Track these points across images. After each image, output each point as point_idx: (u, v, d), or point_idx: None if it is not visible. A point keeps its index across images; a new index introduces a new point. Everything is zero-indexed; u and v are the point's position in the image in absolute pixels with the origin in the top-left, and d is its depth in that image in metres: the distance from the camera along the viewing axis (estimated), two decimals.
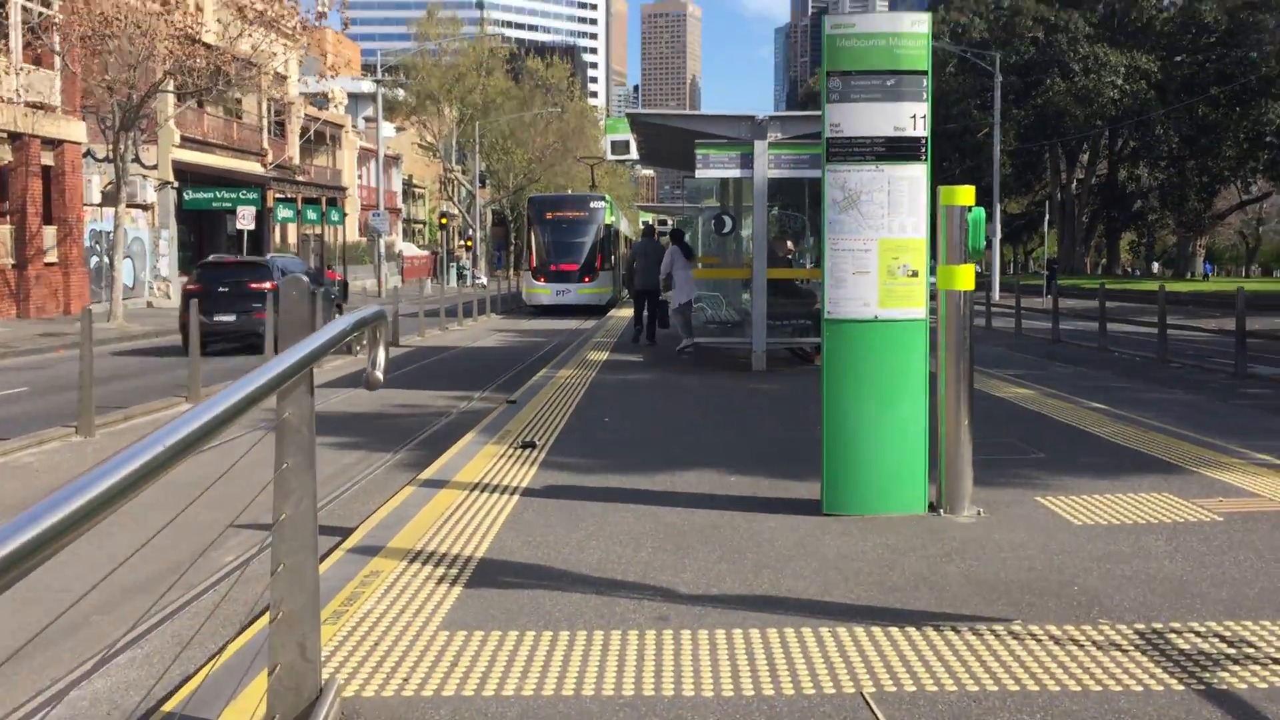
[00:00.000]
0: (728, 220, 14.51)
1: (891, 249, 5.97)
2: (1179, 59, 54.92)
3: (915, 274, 5.98)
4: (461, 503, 6.65)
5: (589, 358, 16.73)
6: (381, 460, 9.93)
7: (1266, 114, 52.96)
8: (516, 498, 6.80)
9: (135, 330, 26.47)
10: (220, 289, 19.47)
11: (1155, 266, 74.70)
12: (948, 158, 60.95)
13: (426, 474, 7.57)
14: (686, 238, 18.54)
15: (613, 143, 22.19)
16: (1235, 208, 65.79)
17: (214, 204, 36.13)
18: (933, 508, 6.09)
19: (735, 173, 14.12)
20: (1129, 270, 75.57)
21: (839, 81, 5.99)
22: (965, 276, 6.01)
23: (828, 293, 6.07)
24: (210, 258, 23.21)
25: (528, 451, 8.48)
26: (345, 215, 46.08)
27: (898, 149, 5.96)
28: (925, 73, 5.97)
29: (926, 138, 5.96)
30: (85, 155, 33.04)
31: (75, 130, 30.67)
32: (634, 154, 23.34)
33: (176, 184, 36.10)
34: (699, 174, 14.11)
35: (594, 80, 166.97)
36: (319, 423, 10.84)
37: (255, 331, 18.36)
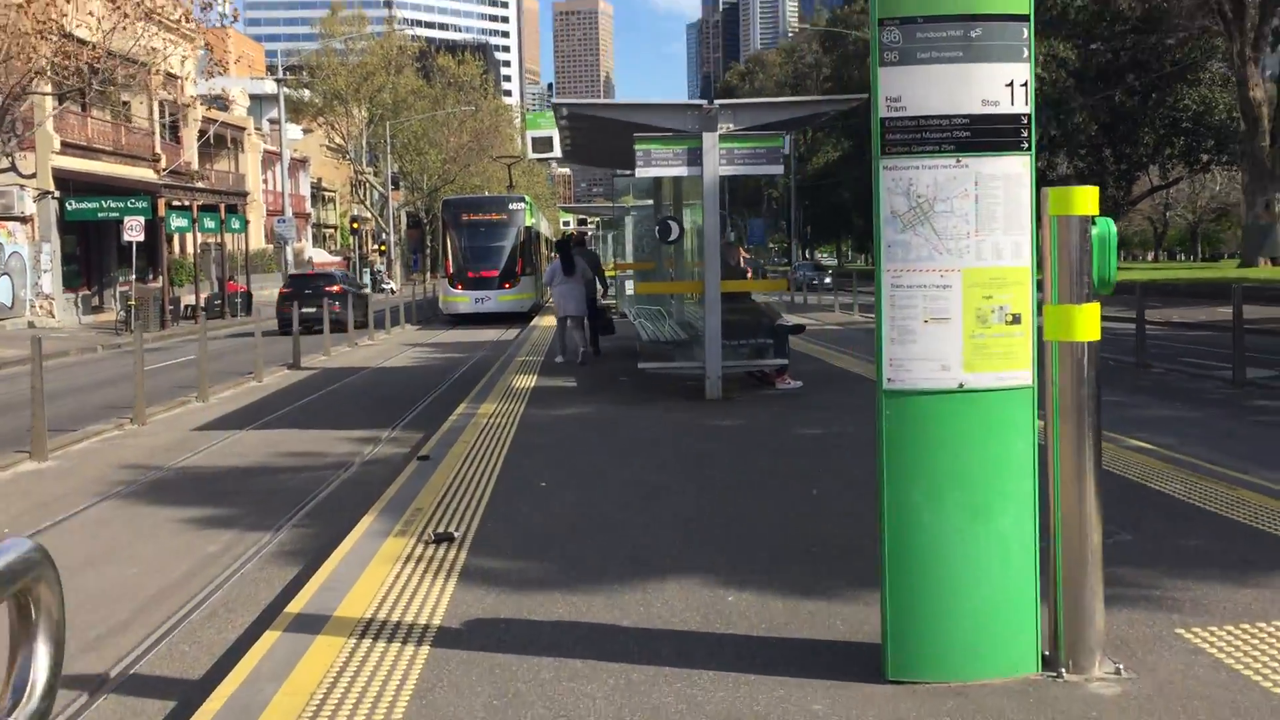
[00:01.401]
0: (674, 226, 12.41)
1: (982, 283, 3.92)
2: (1095, 47, 54.15)
3: (1018, 319, 3.94)
4: (343, 667, 4.46)
5: (514, 384, 14.52)
6: (255, 547, 7.67)
7: (1182, 100, 52.43)
8: (426, 650, 4.62)
9: (7, 356, 23.56)
10: (306, 291, 27.58)
11: None
12: (866, 153, 59.55)
13: (301, 603, 5.35)
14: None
15: (534, 139, 20.12)
16: (1148, 193, 65.43)
17: (100, 214, 33.08)
18: (1047, 663, 4.06)
19: (681, 170, 12.03)
20: None
21: (897, 33, 3.91)
22: (1088, 321, 3.99)
23: (886, 350, 4.00)
24: (292, 273, 36.04)
25: (443, 547, 6.29)
26: (248, 222, 43.09)
27: (988, 133, 3.91)
28: (1026, 17, 3.92)
29: (1030, 115, 3.92)
30: None
31: None
32: (557, 151, 21.16)
33: (58, 193, 32.99)
34: (639, 172, 12.01)
35: (508, 79, 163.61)
36: (186, 482, 8.37)
37: (329, 318, 24.52)
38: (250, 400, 16.06)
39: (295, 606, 5.28)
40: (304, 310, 24.42)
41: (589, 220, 49.54)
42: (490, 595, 5.39)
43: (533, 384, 14.49)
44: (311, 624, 5.00)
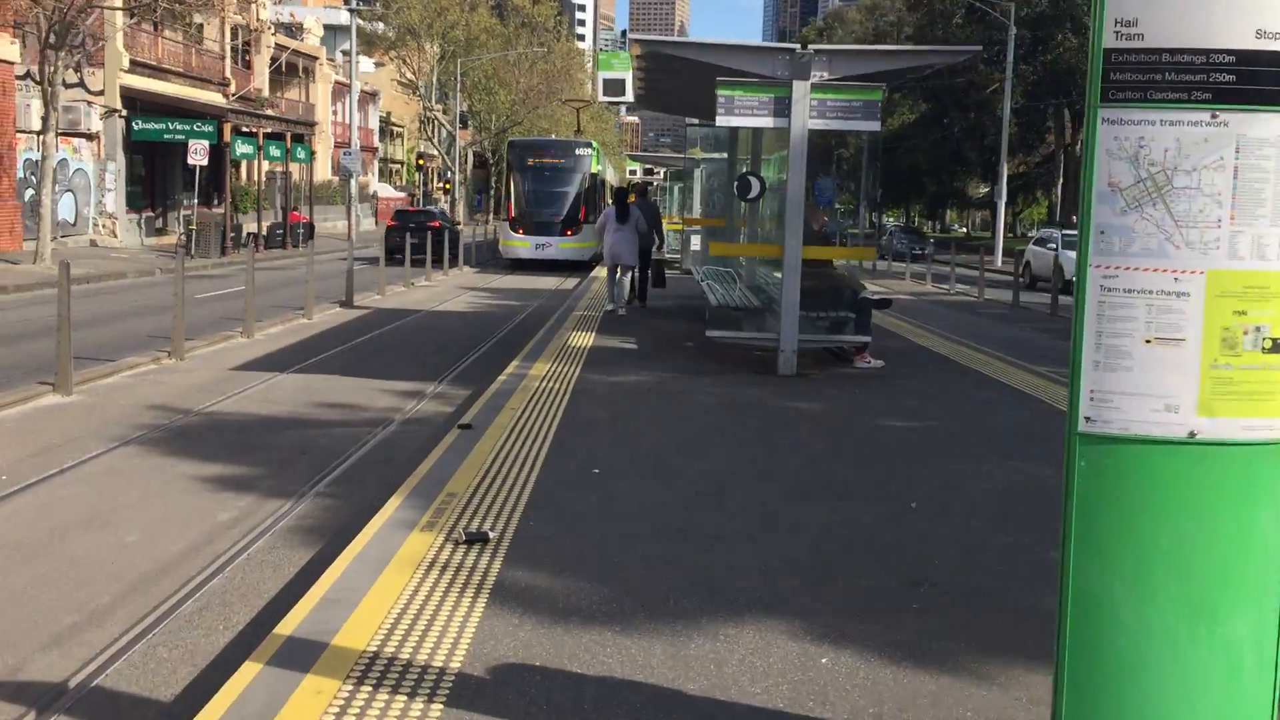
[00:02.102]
0: (754, 182, 11.18)
1: (1234, 292, 2.75)
2: None
3: (1278, 345, 2.76)
4: None
5: (570, 342, 13.45)
6: (271, 518, 6.71)
7: None
8: (438, 712, 3.58)
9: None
10: (410, 224, 31.19)
11: None
12: (948, 113, 57.41)
13: (296, 620, 4.34)
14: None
15: (605, 81, 18.96)
16: None
17: (165, 136, 32.36)
18: None
19: (766, 121, 10.80)
20: None
21: None
22: None
23: (1085, 377, 2.85)
24: (397, 209, 39.04)
25: (475, 550, 5.26)
26: (314, 153, 42.28)
27: (1261, 78, 2.72)
28: None
29: None
30: (23, 78, 29.24)
31: (4, 48, 26.85)
32: (629, 95, 19.93)
33: (125, 112, 32.30)
34: (720, 120, 10.79)
35: (581, 24, 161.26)
36: (211, 431, 7.32)
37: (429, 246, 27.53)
38: (296, 339, 15.17)
39: (288, 626, 4.27)
40: (412, 240, 28.22)
41: (655, 170, 48.17)
42: (526, 626, 4.34)
43: (590, 343, 13.41)
44: (303, 655, 3.98)
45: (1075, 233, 17.96)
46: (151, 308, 18.97)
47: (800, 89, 10.58)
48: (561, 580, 4.92)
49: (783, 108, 10.66)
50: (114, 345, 13.74)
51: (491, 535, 5.45)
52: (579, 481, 6.67)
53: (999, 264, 40.04)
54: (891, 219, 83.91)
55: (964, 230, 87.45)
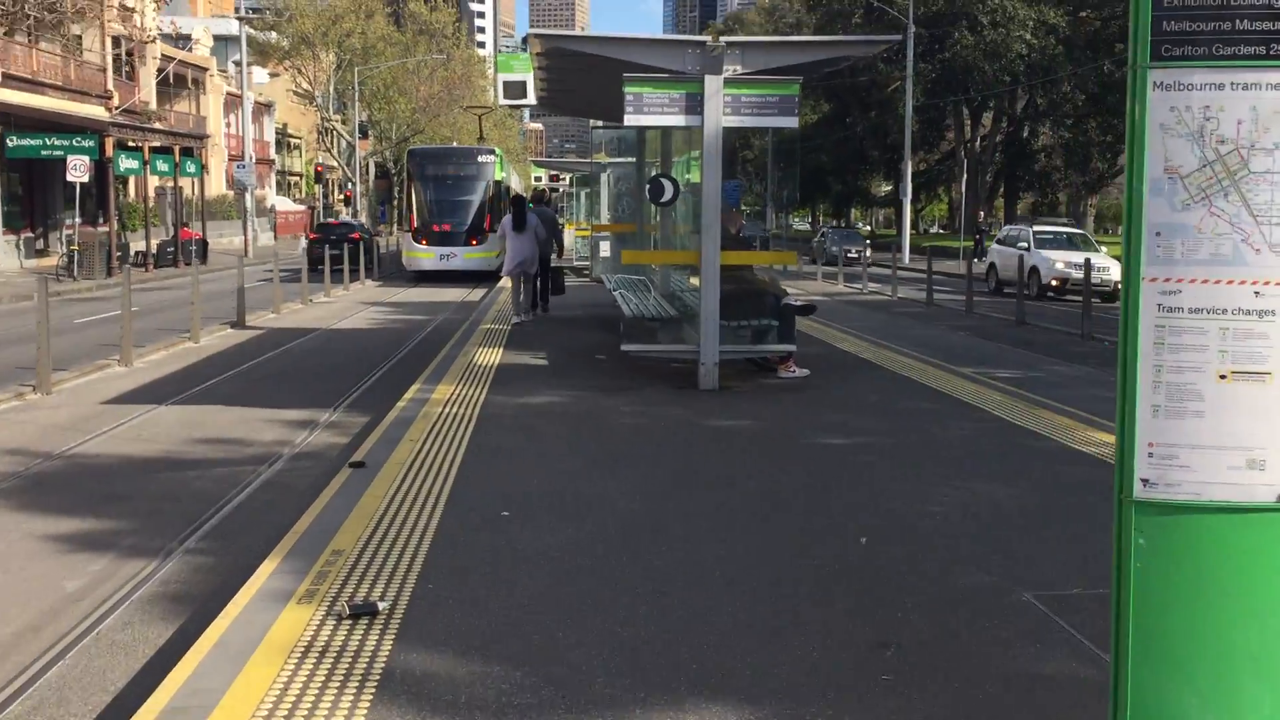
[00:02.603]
0: (668, 184, 10.45)
1: None
2: (1084, 14, 52.30)
3: None
4: None
5: (476, 359, 12.59)
6: (129, 584, 5.79)
7: None
8: None
9: None
10: (332, 236, 31.98)
11: None
12: (851, 113, 57.55)
13: None
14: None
15: (506, 83, 18.05)
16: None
17: (43, 152, 30.52)
18: None
19: (678, 119, 10.08)
20: None
21: None
22: None
23: (1141, 425, 2.15)
24: (319, 222, 42.46)
25: (362, 626, 4.42)
26: (205, 166, 40.55)
27: None
28: None
29: None
30: None
31: None
32: (531, 97, 19.12)
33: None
34: (629, 120, 10.03)
35: (481, 30, 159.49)
36: (71, 479, 6.19)
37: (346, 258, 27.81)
38: (179, 366, 14.04)
39: None
40: (333, 252, 28.23)
41: (560, 177, 47.34)
42: None
43: (497, 360, 12.57)
44: None
45: (1049, 230, 17.00)
46: (23, 336, 17.58)
47: (713, 84, 9.89)
48: (465, 662, 4.10)
49: (695, 104, 9.95)
50: None
51: (382, 606, 4.60)
52: (486, 527, 5.85)
53: (906, 261, 40.00)
54: (797, 219, 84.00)
55: (868, 228, 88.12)
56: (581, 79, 13.22)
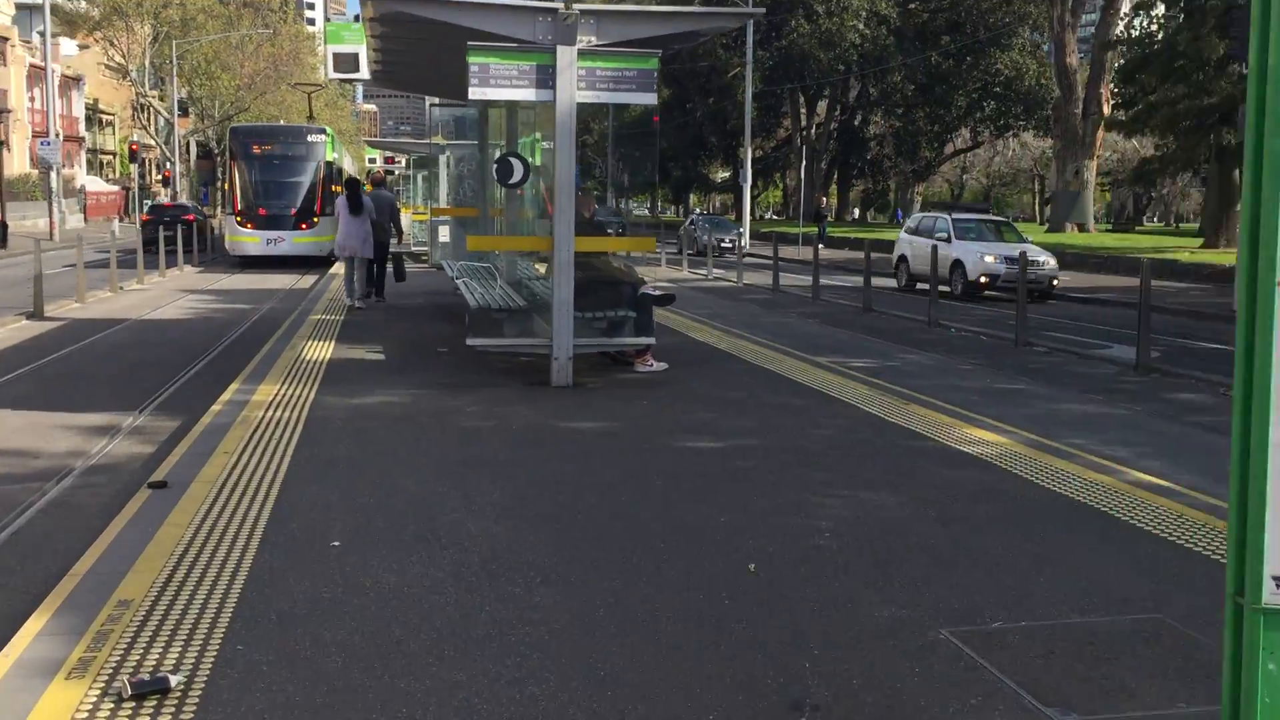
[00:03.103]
0: (516, 164, 9.57)
1: None
2: (913, 5, 53.48)
3: None
4: None
5: (305, 354, 11.48)
6: None
7: (995, 64, 52.39)
8: None
9: None
10: (166, 218, 32.72)
11: (863, 214, 74.31)
12: (691, 99, 57.45)
13: None
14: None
15: (336, 56, 16.72)
16: (950, 155, 65.69)
17: None
18: None
19: (528, 93, 9.22)
20: (861, 218, 75.23)
21: None
22: None
23: (1275, 496, 1.43)
24: (152, 204, 43.00)
25: (149, 708, 3.48)
26: (3, 143, 37.39)
27: None
28: None
29: None
30: None
31: None
32: (364, 71, 17.85)
33: None
34: (474, 93, 9.12)
35: (310, 6, 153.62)
36: None
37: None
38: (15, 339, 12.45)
39: None
40: (167, 233, 27.63)
41: (396, 159, 45.63)
42: None
43: (329, 354, 11.48)
44: None
45: (970, 218, 15.69)
46: None
47: (566, 55, 9.07)
48: None
49: (546, 77, 9.12)
50: None
51: (174, 680, 3.67)
52: (313, 562, 4.93)
53: (748, 246, 39.95)
54: (636, 204, 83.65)
55: (674, 214, 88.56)
56: (421, 51, 12.21)
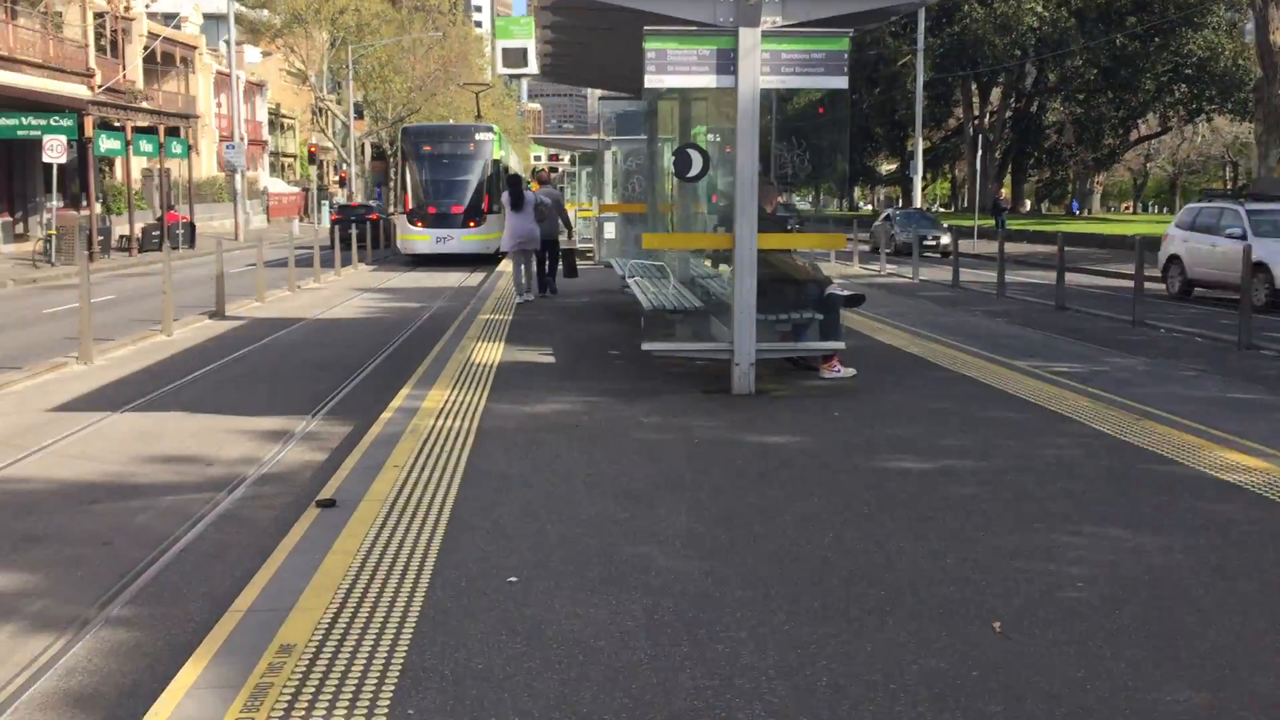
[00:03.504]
0: (695, 156, 8.94)
1: None
2: None
3: None
4: None
5: (474, 355, 11.13)
6: (26, 674, 4.38)
7: (1186, 45, 49.13)
8: None
9: None
10: (352, 217, 35.49)
11: (1036, 206, 70.85)
12: (857, 89, 55.85)
13: None
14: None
15: (505, 51, 16.52)
16: (1136, 142, 61.99)
17: (19, 132, 28.99)
18: None
19: (707, 79, 8.58)
20: (1034, 209, 71.95)
21: None
22: None
23: None
24: (340, 204, 46.59)
25: None
26: (191, 147, 38.95)
27: None
28: None
29: None
30: None
31: None
32: (532, 65, 17.57)
33: None
34: (650, 80, 8.53)
35: (479, 9, 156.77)
36: None
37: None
38: (145, 363, 12.59)
39: None
40: (346, 233, 29.94)
41: (559, 156, 45.74)
42: None
43: (498, 357, 11.10)
44: None
45: (1269, 208, 13.73)
46: None
47: (749, 38, 8.39)
48: None
49: (728, 62, 8.46)
50: None
51: None
52: (488, 602, 4.40)
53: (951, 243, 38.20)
54: (799, 197, 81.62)
55: (870, 208, 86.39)
56: (591, 41, 11.72)
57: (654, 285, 11.27)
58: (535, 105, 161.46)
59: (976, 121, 54.61)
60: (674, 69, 8.51)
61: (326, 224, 52.13)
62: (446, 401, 8.66)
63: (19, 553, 5.95)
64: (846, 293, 9.14)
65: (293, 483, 7.34)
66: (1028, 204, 75.39)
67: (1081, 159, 55.49)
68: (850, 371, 9.41)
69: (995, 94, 56.13)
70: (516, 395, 8.94)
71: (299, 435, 8.80)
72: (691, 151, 8.94)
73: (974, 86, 54.19)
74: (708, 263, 12.31)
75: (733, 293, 8.67)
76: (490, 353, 11.34)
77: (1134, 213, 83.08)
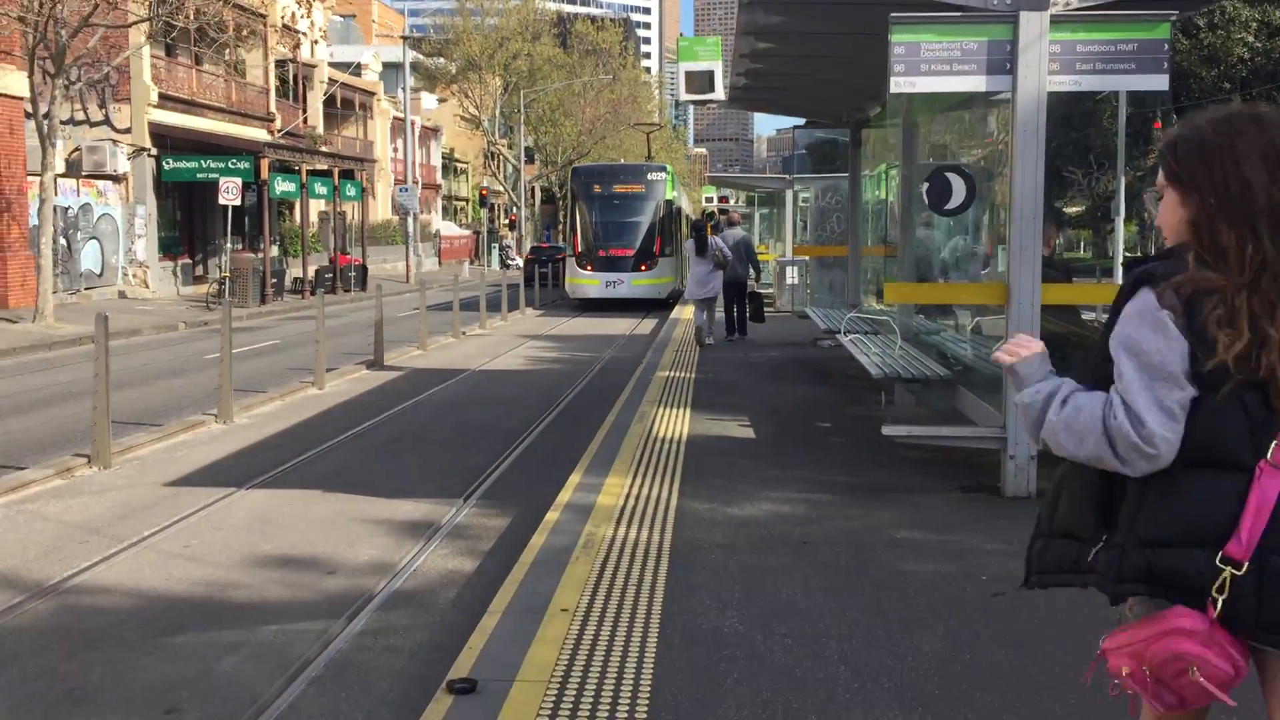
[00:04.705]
0: (957, 181, 6.78)
1: None
2: None
3: None
4: None
5: (656, 426, 9.17)
6: None
7: None
8: None
9: (63, 334, 19.28)
10: (544, 258, 37.84)
11: None
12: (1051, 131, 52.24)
13: None
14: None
15: (688, 74, 14.89)
16: None
17: (199, 175, 28.87)
18: None
19: (974, 81, 6.46)
20: None
21: None
22: None
23: None
24: (533, 244, 49.56)
25: None
26: (365, 189, 38.68)
27: None
28: None
29: None
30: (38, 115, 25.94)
31: (11, 81, 23.46)
32: (719, 91, 15.71)
33: (155, 151, 28.90)
34: (897, 85, 6.45)
35: (647, 56, 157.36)
36: (34, 645, 3.85)
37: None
38: (288, 423, 11.12)
39: None
40: (542, 270, 34.05)
41: (728, 199, 43.92)
42: None
43: (686, 428, 9.11)
44: None
45: None
46: (157, 373, 15.12)
47: (1032, 25, 6.24)
48: None
49: (1002, 58, 6.33)
50: (48, 435, 9.91)
51: None
52: None
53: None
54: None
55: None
56: (794, 55, 9.72)
57: (879, 347, 9.07)
58: (701, 150, 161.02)
59: None
60: (929, 69, 6.42)
61: (496, 266, 51.81)
62: (627, 496, 6.71)
63: (55, 712, 4.24)
64: None
65: (430, 609, 5.50)
66: None
67: None
68: None
69: None
70: (715, 488, 6.93)
71: (445, 529, 7.00)
72: (952, 176, 6.79)
73: (1175, 120, 50.01)
74: (920, 316, 10.13)
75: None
76: (676, 422, 9.38)
77: None
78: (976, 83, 6.46)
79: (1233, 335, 1.93)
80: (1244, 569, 1.88)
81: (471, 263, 56.71)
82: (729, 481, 7.10)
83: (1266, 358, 1.92)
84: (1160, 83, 6.31)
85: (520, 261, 52.63)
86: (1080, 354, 6.93)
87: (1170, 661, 1.88)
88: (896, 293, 8.81)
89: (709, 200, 42.01)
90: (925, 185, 6.79)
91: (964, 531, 5.85)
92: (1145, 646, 1.91)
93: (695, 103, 15.10)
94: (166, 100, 29.47)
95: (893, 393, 7.91)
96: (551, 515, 6.27)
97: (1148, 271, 2.06)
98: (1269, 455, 1.91)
